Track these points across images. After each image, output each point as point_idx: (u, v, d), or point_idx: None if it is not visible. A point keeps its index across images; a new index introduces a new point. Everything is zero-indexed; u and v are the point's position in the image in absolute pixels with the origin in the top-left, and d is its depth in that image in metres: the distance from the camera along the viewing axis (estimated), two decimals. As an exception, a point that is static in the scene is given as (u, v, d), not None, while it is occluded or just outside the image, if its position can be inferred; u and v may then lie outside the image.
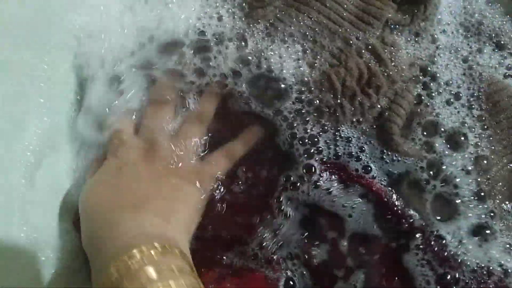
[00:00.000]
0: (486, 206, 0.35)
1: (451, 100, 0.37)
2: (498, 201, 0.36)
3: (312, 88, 0.37)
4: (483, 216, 0.35)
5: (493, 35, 0.37)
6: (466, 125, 0.36)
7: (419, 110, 0.37)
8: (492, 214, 0.35)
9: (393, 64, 0.35)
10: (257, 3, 0.36)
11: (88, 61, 0.37)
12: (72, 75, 0.37)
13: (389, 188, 0.36)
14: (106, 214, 0.30)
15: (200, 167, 0.35)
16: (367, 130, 0.37)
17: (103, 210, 0.31)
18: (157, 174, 0.33)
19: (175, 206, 0.32)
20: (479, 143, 0.36)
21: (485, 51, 0.37)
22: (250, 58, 0.38)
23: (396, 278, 0.35)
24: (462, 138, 0.36)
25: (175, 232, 0.31)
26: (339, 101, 0.36)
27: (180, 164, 0.34)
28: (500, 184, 0.37)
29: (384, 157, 0.36)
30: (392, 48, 0.36)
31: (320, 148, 0.36)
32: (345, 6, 0.36)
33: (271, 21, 0.37)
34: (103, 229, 0.30)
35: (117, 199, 0.31)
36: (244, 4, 0.37)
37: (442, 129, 0.37)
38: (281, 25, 0.36)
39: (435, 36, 0.37)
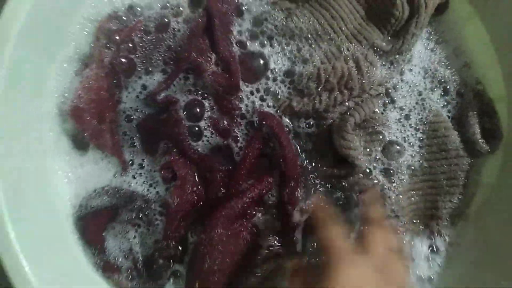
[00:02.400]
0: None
1: (401, 119, 0.47)
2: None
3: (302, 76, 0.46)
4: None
5: (443, 81, 0.48)
6: (407, 140, 0.46)
7: (374, 118, 0.47)
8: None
9: (367, 76, 0.45)
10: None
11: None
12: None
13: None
14: None
15: None
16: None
17: None
18: None
19: None
20: (413, 155, 0.46)
21: (435, 90, 0.48)
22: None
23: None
24: (398, 147, 0.46)
25: None
26: (319, 89, 0.46)
27: None
28: (412, 200, 0.47)
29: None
30: (370, 65, 0.46)
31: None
32: (347, 24, 0.46)
33: (290, 11, 0.46)
34: None
35: None
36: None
37: (386, 139, 0.46)
38: (295, 18, 0.46)
39: (403, 70, 0.48)
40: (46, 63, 0.42)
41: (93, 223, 0.44)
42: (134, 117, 0.46)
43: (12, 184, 0.37)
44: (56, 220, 0.42)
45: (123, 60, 0.45)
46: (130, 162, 0.46)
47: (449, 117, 0.47)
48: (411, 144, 0.46)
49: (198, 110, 0.47)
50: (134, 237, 0.45)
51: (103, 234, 0.44)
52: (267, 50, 0.48)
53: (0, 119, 0.36)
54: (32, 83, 0.40)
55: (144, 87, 0.46)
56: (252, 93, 0.47)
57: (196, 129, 0.46)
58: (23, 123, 0.39)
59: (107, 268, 0.43)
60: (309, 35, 0.47)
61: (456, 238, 0.46)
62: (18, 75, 0.38)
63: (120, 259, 0.44)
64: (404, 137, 0.46)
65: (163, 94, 0.46)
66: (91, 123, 0.43)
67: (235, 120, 0.47)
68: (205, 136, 0.46)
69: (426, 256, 0.46)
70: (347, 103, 0.46)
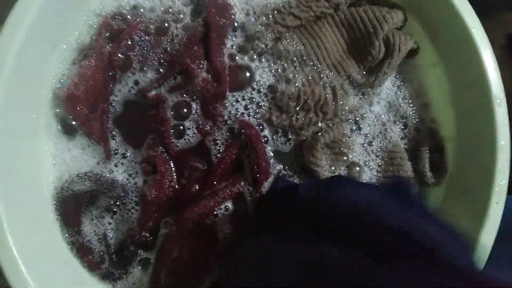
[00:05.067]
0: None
1: (365, 144, 0.53)
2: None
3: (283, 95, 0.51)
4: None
5: (404, 116, 0.54)
6: (367, 164, 0.52)
7: (342, 141, 0.52)
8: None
9: (341, 103, 0.51)
10: (283, 24, 0.50)
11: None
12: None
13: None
14: None
15: None
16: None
17: None
18: None
19: None
20: (371, 177, 0.52)
21: (397, 124, 0.54)
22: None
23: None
24: (359, 169, 0.52)
25: None
26: (297, 109, 0.51)
27: None
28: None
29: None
30: (345, 94, 0.51)
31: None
32: (330, 55, 0.51)
33: (281, 34, 0.51)
34: None
35: None
36: (271, 16, 0.51)
37: (349, 160, 0.52)
38: (285, 41, 0.51)
39: (372, 101, 0.53)
40: (49, 50, 0.44)
41: (72, 206, 0.46)
42: (120, 110, 0.49)
43: (6, 160, 0.39)
44: (39, 199, 0.44)
45: (121, 56, 0.47)
46: (115, 151, 0.48)
47: (405, 148, 0.53)
48: (371, 168, 0.52)
49: (185, 110, 0.50)
50: (109, 223, 0.48)
51: (81, 217, 0.47)
52: (254, 65, 0.52)
53: (5, 99, 0.38)
54: (35, 68, 0.42)
55: (136, 83, 0.49)
56: (237, 101, 0.51)
57: (181, 127, 0.50)
58: (23, 105, 0.41)
59: (80, 249, 0.46)
60: (294, 58, 0.51)
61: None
62: (24, 59, 0.39)
63: (93, 242, 0.47)
64: (365, 161, 0.52)
65: (153, 92, 0.49)
66: (83, 111, 0.46)
67: (217, 125, 0.50)
68: (187, 135, 0.50)
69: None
70: (319, 124, 0.51)
